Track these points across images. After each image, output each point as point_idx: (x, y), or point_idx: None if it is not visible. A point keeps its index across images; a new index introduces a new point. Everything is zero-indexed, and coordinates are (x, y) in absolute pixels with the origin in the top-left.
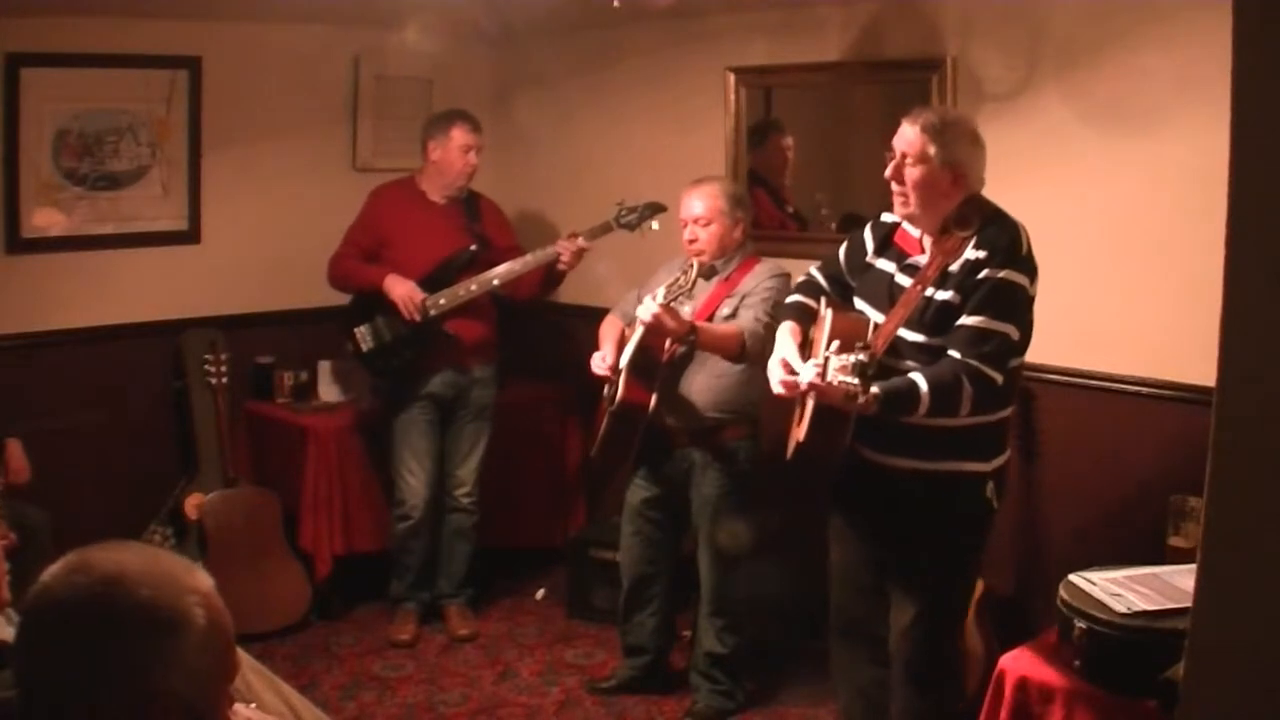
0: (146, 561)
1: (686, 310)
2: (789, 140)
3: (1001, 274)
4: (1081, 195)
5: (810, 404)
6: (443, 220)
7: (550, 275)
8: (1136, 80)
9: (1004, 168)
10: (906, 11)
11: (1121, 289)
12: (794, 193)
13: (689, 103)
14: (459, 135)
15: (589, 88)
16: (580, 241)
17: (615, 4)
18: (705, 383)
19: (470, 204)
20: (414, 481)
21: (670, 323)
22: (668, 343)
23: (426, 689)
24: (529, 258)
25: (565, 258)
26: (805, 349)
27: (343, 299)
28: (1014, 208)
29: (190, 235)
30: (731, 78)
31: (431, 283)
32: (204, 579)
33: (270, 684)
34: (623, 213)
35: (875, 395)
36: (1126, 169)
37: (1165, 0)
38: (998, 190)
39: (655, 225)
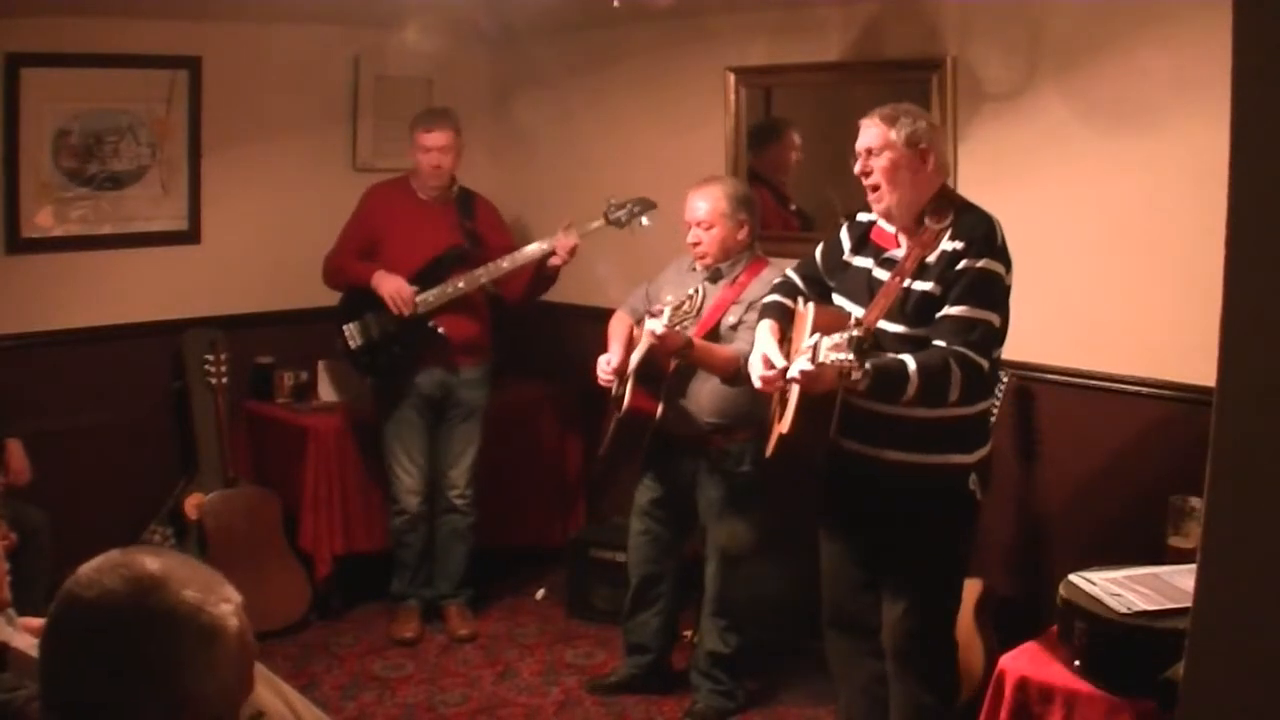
0: (187, 566)
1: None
2: (797, 139)
3: (980, 263)
4: (1081, 195)
5: (794, 398)
6: (435, 218)
7: (542, 274)
8: (1136, 80)
9: (1004, 168)
10: (906, 11)
11: (1121, 288)
12: (796, 192)
13: (689, 103)
14: (419, 138)
15: (589, 88)
16: (574, 237)
17: (615, 4)
18: (712, 389)
19: (464, 203)
20: (407, 480)
21: (670, 341)
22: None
23: (426, 689)
24: (517, 254)
25: (561, 254)
26: (784, 346)
27: None
28: (1014, 208)
29: (190, 235)
30: (731, 78)
31: (421, 280)
32: (235, 591)
33: (270, 684)
34: (611, 209)
35: (867, 371)
36: (1126, 169)
37: (1165, 0)
38: (998, 190)
39: (646, 221)
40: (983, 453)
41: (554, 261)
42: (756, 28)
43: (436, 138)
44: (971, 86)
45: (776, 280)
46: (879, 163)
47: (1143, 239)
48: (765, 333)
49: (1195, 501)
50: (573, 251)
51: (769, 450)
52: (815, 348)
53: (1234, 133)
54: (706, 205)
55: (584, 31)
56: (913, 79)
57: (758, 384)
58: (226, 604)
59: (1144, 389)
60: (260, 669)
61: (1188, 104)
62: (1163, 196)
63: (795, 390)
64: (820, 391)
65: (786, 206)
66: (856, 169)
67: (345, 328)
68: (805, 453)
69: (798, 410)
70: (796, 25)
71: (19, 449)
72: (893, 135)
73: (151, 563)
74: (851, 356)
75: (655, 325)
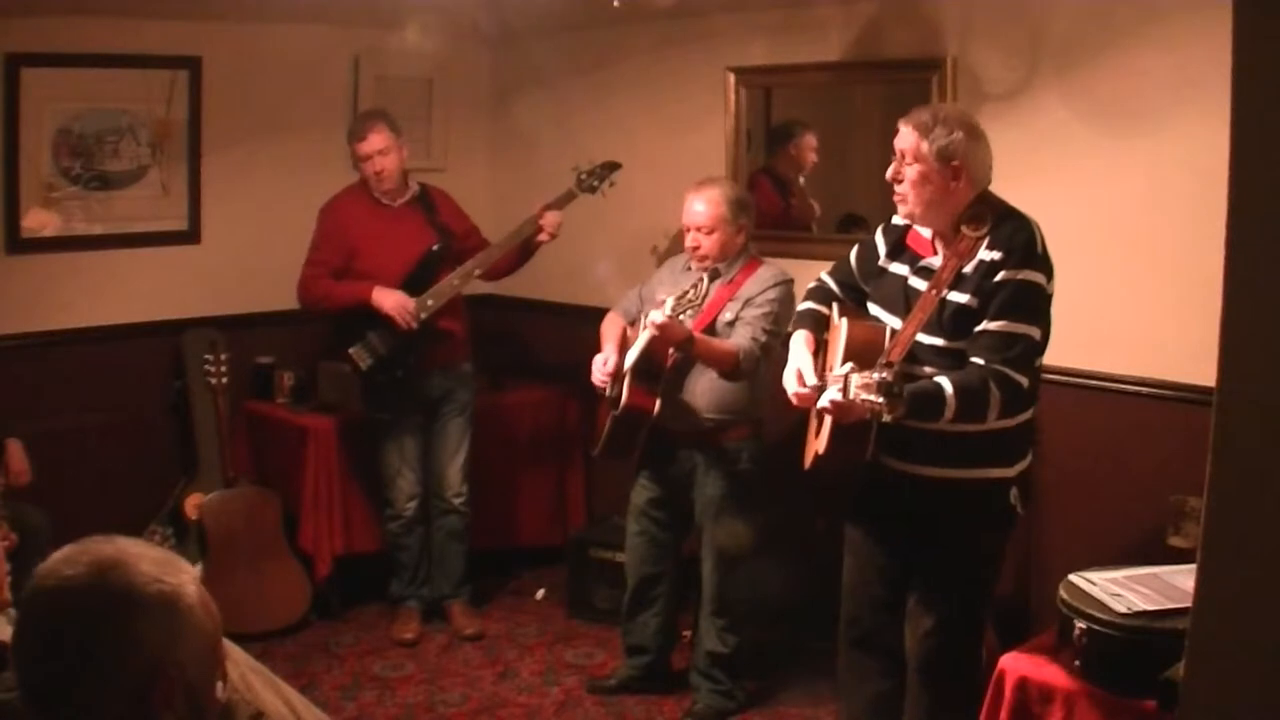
0: (138, 544)
1: (689, 320)
2: (812, 140)
3: (1020, 275)
4: (1081, 195)
5: (829, 418)
6: (404, 221)
7: (526, 250)
8: (1136, 80)
9: (1004, 168)
10: (906, 11)
11: (1122, 289)
12: (803, 191)
13: (689, 103)
14: (354, 149)
15: (589, 88)
16: (556, 213)
17: (615, 4)
18: (709, 384)
19: (425, 199)
20: (404, 485)
21: (673, 333)
22: (670, 349)
23: (426, 689)
24: (504, 240)
25: (549, 230)
26: (819, 357)
27: None
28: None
29: (190, 235)
30: (731, 78)
31: (412, 284)
32: (188, 564)
33: (270, 684)
34: (582, 176)
35: (902, 399)
36: (1126, 169)
37: (1165, 0)
38: (997, 190)
39: (613, 182)
40: (1024, 465)
41: (541, 239)
42: (756, 28)
43: (371, 143)
44: (971, 86)
45: (811, 285)
46: (909, 172)
47: (1143, 239)
48: (799, 344)
49: (1195, 501)
50: (558, 227)
51: (806, 465)
52: (846, 382)
53: (1234, 133)
54: (706, 209)
55: (584, 31)
56: (913, 79)
57: (792, 400)
58: (184, 574)
59: (1144, 389)
60: (260, 669)
61: (1188, 104)
62: (1163, 196)
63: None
64: (851, 421)
65: (787, 200)
66: (889, 173)
67: (350, 351)
68: (842, 471)
69: (833, 430)
70: (796, 25)
71: (19, 449)
72: (924, 147)
73: (107, 547)
74: (881, 400)
75: (657, 316)
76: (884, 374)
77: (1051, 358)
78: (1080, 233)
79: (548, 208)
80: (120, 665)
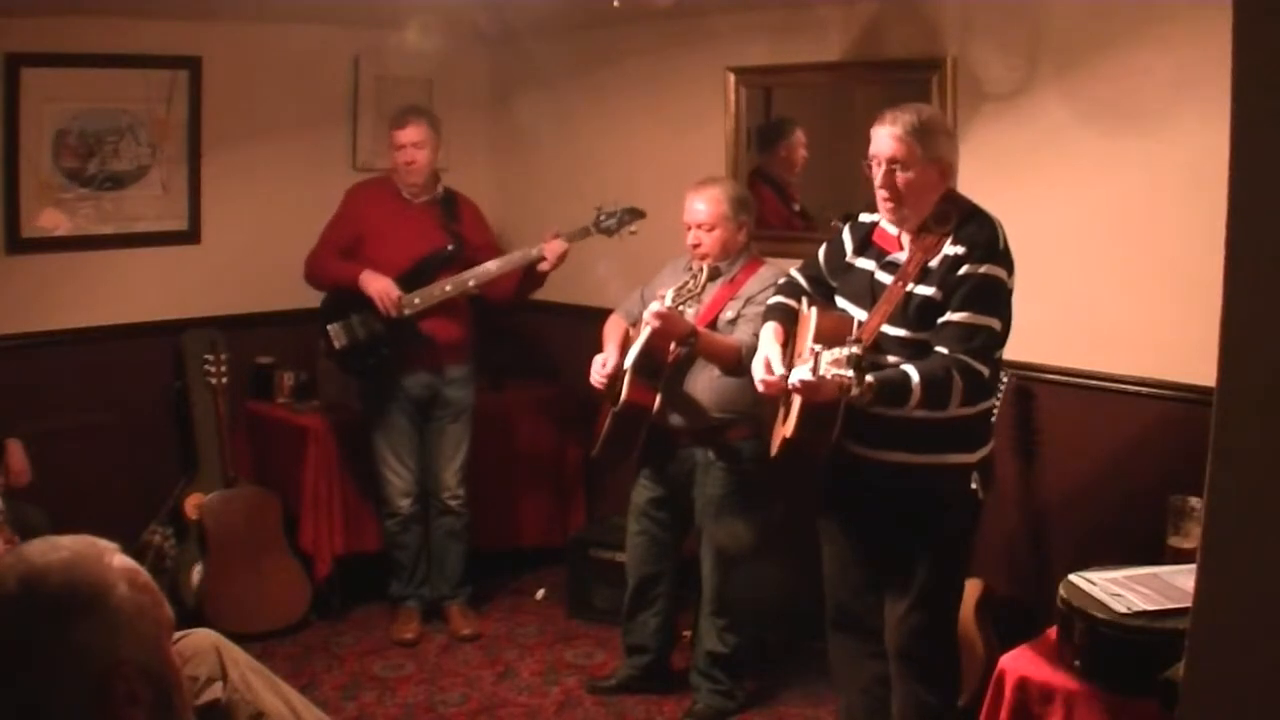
0: (49, 548)
1: (690, 312)
2: (802, 137)
3: (983, 269)
4: (1081, 195)
5: (797, 402)
6: (420, 219)
7: (529, 277)
8: (1136, 80)
9: (1004, 168)
10: (906, 11)
11: (1121, 289)
12: (800, 191)
13: (689, 103)
14: (392, 136)
15: (589, 88)
16: (563, 242)
17: (615, 4)
18: (709, 383)
19: (448, 203)
20: (398, 482)
21: (675, 325)
22: (672, 345)
23: (426, 689)
24: (506, 259)
25: (550, 260)
26: (788, 348)
27: None
28: (1014, 208)
29: (190, 235)
30: (731, 78)
31: (408, 281)
32: (105, 543)
33: (270, 684)
34: (601, 217)
35: (870, 384)
36: (1126, 169)
37: (1165, 0)
38: (998, 190)
39: (633, 230)
40: (984, 452)
41: (543, 267)
42: (756, 28)
43: (409, 133)
44: (971, 86)
45: (781, 280)
46: (903, 176)
47: (1143, 239)
48: (768, 335)
49: (1195, 501)
50: (562, 257)
51: (773, 452)
52: (816, 360)
53: (1234, 133)
54: (707, 208)
55: (584, 31)
56: (913, 79)
57: (760, 387)
58: (104, 558)
59: (1144, 389)
60: (260, 669)
61: (1188, 104)
62: (1163, 196)
63: (800, 395)
64: (820, 401)
65: (790, 206)
66: (877, 180)
67: (329, 328)
68: (809, 455)
69: (801, 414)
70: (796, 25)
71: (19, 449)
72: (919, 152)
73: (11, 569)
74: (850, 373)
75: (657, 306)
76: (853, 348)
77: (1052, 358)
78: (1080, 232)
79: (558, 236)
80: (68, 681)
